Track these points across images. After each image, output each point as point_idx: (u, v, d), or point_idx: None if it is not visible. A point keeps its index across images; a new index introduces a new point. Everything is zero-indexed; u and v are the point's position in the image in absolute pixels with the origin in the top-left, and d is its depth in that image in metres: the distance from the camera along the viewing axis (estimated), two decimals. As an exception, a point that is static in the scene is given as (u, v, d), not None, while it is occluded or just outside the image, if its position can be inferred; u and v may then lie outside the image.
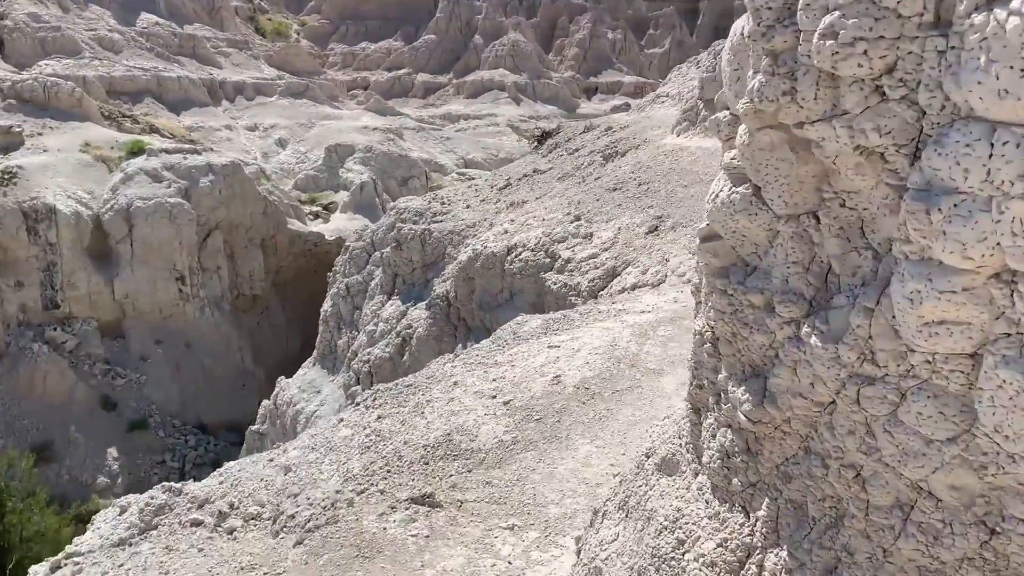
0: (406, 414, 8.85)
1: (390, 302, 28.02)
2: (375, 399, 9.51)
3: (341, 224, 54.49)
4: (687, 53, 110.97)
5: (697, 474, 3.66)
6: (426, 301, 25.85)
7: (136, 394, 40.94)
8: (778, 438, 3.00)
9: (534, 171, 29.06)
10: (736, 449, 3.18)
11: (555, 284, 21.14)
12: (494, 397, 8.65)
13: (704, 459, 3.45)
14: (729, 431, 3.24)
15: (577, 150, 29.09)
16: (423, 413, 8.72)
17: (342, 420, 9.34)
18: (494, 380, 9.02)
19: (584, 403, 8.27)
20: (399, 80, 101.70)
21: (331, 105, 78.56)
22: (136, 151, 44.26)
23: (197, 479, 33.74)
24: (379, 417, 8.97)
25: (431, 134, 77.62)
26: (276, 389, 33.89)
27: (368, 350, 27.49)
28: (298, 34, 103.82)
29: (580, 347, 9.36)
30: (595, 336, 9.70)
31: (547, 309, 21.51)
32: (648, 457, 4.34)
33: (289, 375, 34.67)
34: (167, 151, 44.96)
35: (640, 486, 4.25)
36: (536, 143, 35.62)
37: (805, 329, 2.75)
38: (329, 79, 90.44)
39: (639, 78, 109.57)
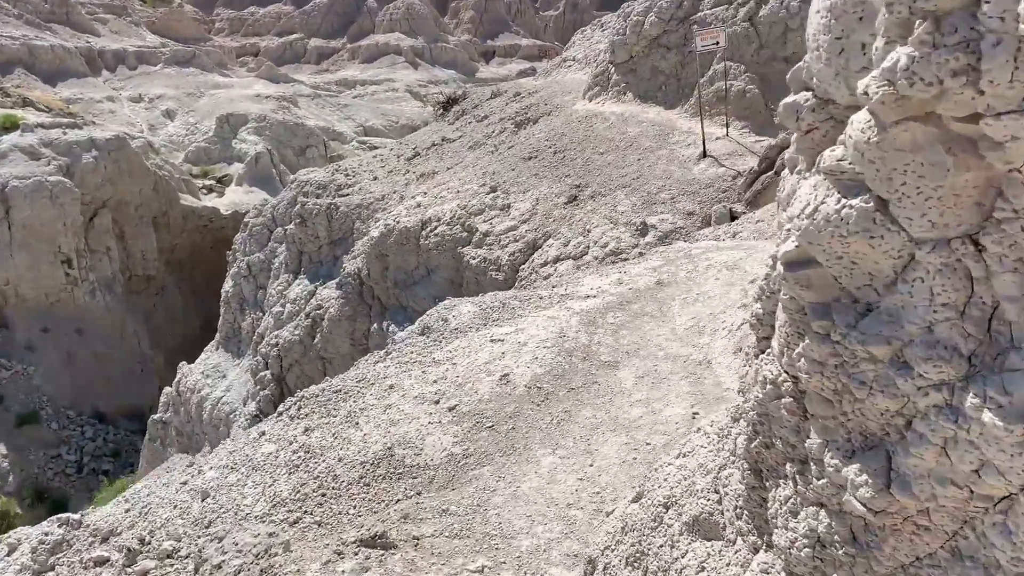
0: (337, 425, 7.91)
1: (297, 281, 26.70)
2: (300, 407, 8.52)
3: (237, 198, 52.23)
4: (582, 15, 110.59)
5: (757, 550, 2.93)
6: (336, 280, 24.66)
7: (24, 386, 38.42)
8: (907, 531, 2.27)
9: (443, 140, 27.98)
10: (836, 538, 2.45)
11: (474, 259, 20.30)
12: (437, 402, 7.78)
13: (780, 541, 2.71)
14: (822, 511, 2.50)
15: (486, 117, 28.13)
16: (357, 423, 7.79)
17: (263, 433, 8.33)
18: (435, 382, 8.14)
19: (538, 405, 7.49)
20: (291, 46, 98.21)
21: (220, 73, 75.12)
22: (9, 127, 41.06)
23: (97, 471, 31.86)
24: (306, 429, 8.00)
25: (327, 101, 75.14)
26: (178, 375, 32.23)
27: (276, 333, 26.16)
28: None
29: (526, 340, 8.55)
30: (540, 326, 8.89)
31: (466, 285, 20.67)
32: (667, 509, 3.59)
33: (191, 359, 33.04)
34: (44, 126, 41.91)
35: (662, 546, 3.50)
36: (441, 110, 34.42)
37: (971, 399, 2.01)
38: (217, 46, 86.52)
39: (536, 41, 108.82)
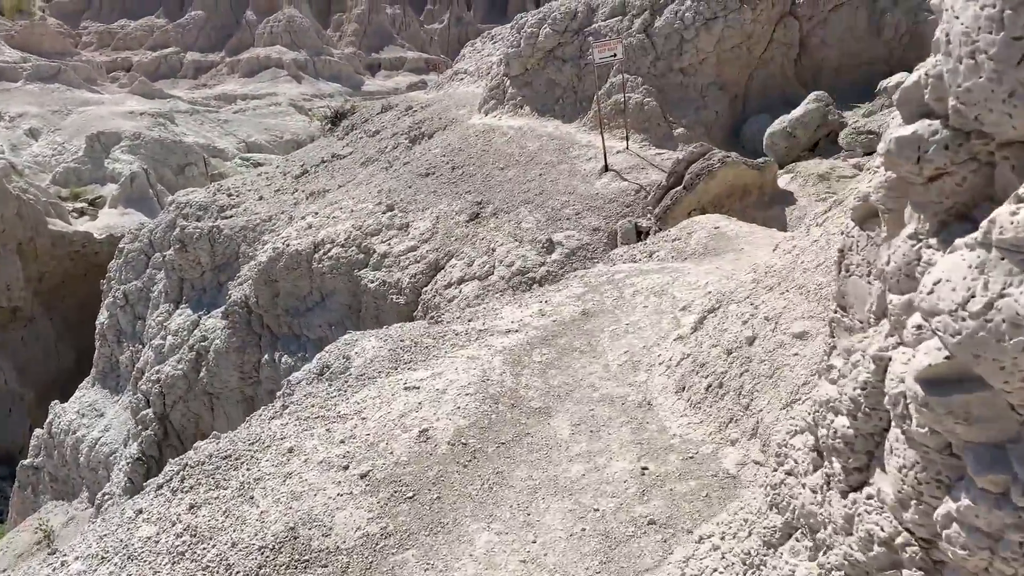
0: (229, 500, 6.77)
1: (178, 311, 24.93)
2: (183, 479, 7.32)
3: (112, 221, 49.24)
4: (466, 29, 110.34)
5: None
6: (222, 308, 23.08)
7: None
8: None
9: (332, 156, 26.72)
10: None
11: (372, 282, 19.19)
12: (346, 467, 6.74)
13: None
14: None
15: (378, 132, 27.02)
16: (252, 498, 6.68)
17: (140, 511, 7.10)
18: (342, 442, 7.10)
19: (465, 466, 6.56)
20: (166, 60, 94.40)
21: (89, 89, 71.24)
22: None
23: (-39, 526, 29.01)
24: (192, 506, 6.83)
25: (206, 117, 72.14)
26: (50, 415, 29.78)
27: (157, 367, 24.34)
28: (43, 11, 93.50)
29: (445, 386, 7.60)
30: (460, 369, 7.94)
31: (365, 310, 19.53)
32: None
33: (65, 396, 30.64)
34: None
35: None
36: (330, 125, 33.08)
37: None
38: (85, 61, 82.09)
39: (423, 54, 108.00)
